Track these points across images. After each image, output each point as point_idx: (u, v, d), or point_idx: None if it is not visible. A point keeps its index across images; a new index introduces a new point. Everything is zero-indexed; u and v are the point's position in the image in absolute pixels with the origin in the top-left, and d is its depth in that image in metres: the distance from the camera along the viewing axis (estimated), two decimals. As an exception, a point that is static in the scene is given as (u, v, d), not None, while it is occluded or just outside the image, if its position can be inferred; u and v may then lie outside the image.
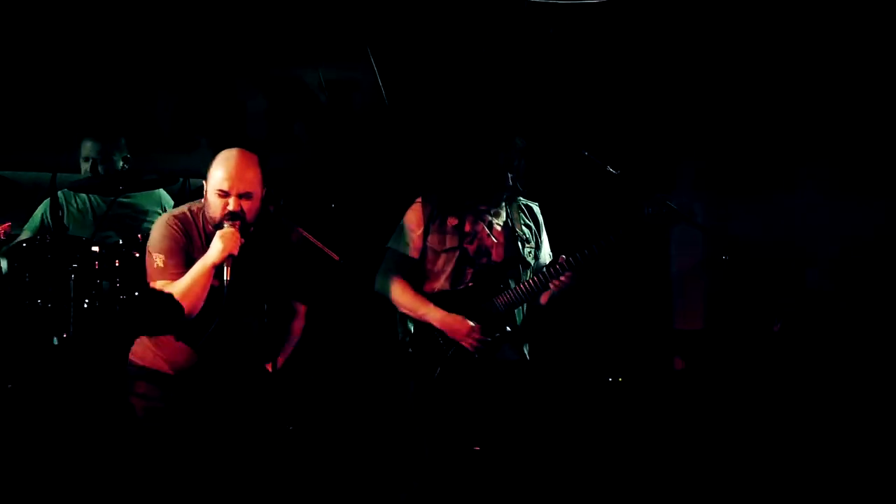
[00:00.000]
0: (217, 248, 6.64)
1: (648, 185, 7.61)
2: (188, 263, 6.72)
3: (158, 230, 6.92)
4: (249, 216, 6.71)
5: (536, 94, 9.35)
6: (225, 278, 6.62)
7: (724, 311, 9.33)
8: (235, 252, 6.63)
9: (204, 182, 6.77)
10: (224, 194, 6.65)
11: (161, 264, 6.73)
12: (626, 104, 9.85)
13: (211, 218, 6.68)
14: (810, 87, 9.81)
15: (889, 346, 9.14)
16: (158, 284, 6.81)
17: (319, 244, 7.50)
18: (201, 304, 6.72)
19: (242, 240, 6.67)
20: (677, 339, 8.99)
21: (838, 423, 8.70)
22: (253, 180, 6.74)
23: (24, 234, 7.92)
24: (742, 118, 9.91)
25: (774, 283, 9.00)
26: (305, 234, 7.40)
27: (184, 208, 6.98)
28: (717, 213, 9.70)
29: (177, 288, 6.71)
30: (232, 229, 6.69)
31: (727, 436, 9.30)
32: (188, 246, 6.81)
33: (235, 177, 6.71)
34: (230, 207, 6.66)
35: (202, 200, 6.85)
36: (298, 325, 7.41)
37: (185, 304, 6.77)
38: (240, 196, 6.70)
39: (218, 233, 6.66)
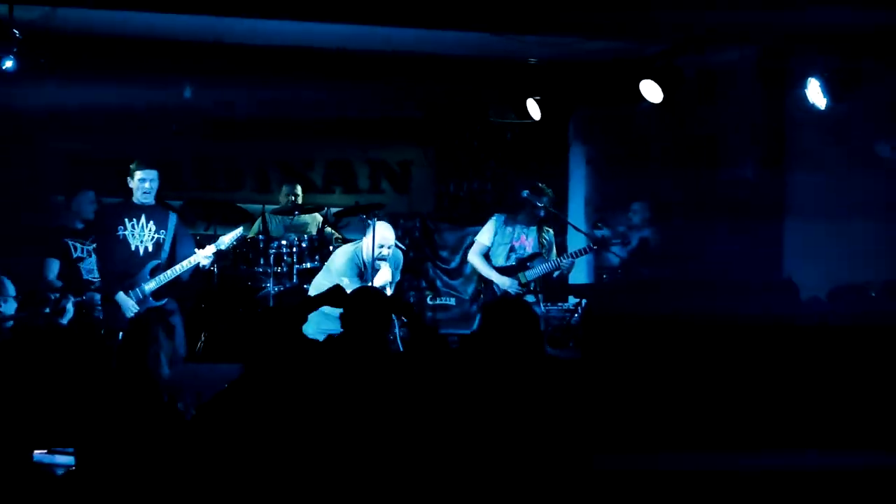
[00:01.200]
0: (383, 279, 6.58)
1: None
2: (357, 279, 6.55)
3: (340, 261, 6.76)
4: (388, 256, 6.67)
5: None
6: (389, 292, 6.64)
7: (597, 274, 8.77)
8: (390, 279, 6.65)
9: (364, 238, 6.63)
10: (381, 247, 6.51)
11: (347, 282, 6.42)
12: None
13: (367, 256, 6.57)
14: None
15: None
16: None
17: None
18: None
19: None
20: (572, 288, 8.49)
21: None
22: (393, 238, 6.68)
23: (251, 233, 7.88)
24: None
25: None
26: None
27: (350, 247, 6.79)
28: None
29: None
30: (387, 264, 6.63)
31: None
32: (357, 270, 6.58)
33: (388, 237, 6.60)
34: (384, 253, 6.57)
35: (361, 242, 6.70)
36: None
37: None
38: (388, 247, 6.59)
39: (381, 272, 6.58)
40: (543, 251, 7.01)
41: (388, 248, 6.63)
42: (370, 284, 6.48)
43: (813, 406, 4.29)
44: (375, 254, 6.57)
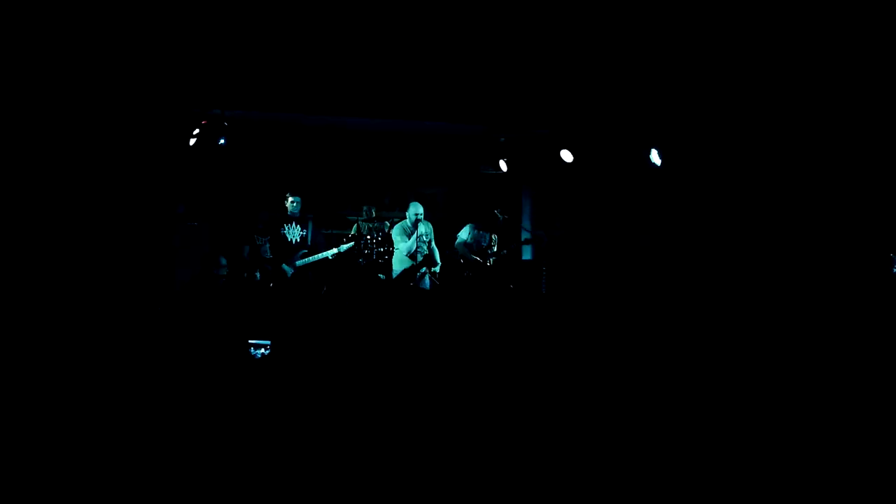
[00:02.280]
0: (413, 241, 6.40)
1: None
2: (405, 236, 6.43)
3: (395, 229, 6.62)
4: (421, 218, 6.43)
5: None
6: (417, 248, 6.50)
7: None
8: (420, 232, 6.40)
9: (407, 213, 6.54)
10: (416, 213, 6.35)
11: (400, 242, 6.40)
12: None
13: (407, 226, 6.53)
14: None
15: None
16: (402, 247, 6.44)
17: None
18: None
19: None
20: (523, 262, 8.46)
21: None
22: (422, 209, 6.40)
23: (352, 231, 7.73)
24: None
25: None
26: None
27: (405, 221, 6.61)
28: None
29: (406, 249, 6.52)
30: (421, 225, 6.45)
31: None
32: (403, 231, 6.50)
33: (420, 210, 6.40)
34: (419, 217, 6.35)
35: (405, 219, 6.59)
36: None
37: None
38: (419, 213, 6.41)
39: (415, 237, 6.42)
40: (493, 245, 7.10)
41: (419, 214, 6.46)
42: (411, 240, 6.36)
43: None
44: (413, 218, 6.46)
